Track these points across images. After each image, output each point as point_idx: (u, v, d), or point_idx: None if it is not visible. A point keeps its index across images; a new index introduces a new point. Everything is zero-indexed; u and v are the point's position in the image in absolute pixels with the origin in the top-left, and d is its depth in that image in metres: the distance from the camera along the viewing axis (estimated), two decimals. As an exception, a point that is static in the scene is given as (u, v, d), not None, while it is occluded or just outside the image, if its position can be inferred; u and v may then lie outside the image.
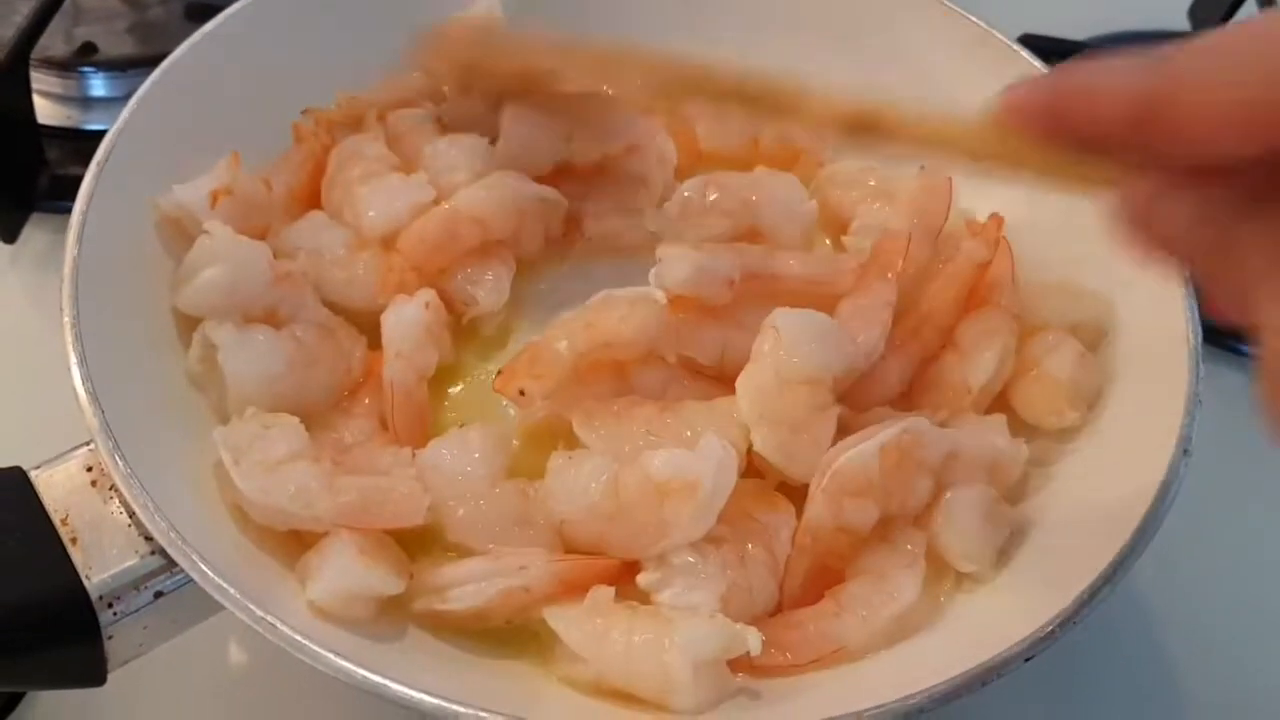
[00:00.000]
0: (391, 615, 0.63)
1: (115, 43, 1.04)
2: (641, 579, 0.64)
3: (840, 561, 0.67)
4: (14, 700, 0.72)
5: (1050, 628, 0.59)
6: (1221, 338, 0.92)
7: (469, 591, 0.63)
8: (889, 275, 0.75)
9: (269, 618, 0.55)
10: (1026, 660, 0.58)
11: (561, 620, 0.62)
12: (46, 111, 0.99)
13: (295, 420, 0.67)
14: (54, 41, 1.01)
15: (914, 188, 0.81)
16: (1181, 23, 1.18)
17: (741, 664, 0.62)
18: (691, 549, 0.65)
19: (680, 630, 0.60)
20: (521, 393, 0.70)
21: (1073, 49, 1.05)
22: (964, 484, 0.69)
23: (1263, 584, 0.86)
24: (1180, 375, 0.69)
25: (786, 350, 0.68)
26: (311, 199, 0.80)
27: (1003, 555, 0.68)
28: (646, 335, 0.71)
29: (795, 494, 0.68)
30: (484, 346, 0.79)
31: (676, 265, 0.72)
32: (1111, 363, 0.75)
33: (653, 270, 0.72)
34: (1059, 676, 0.79)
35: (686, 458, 0.64)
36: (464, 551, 0.66)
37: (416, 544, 0.67)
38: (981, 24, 0.86)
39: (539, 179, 0.80)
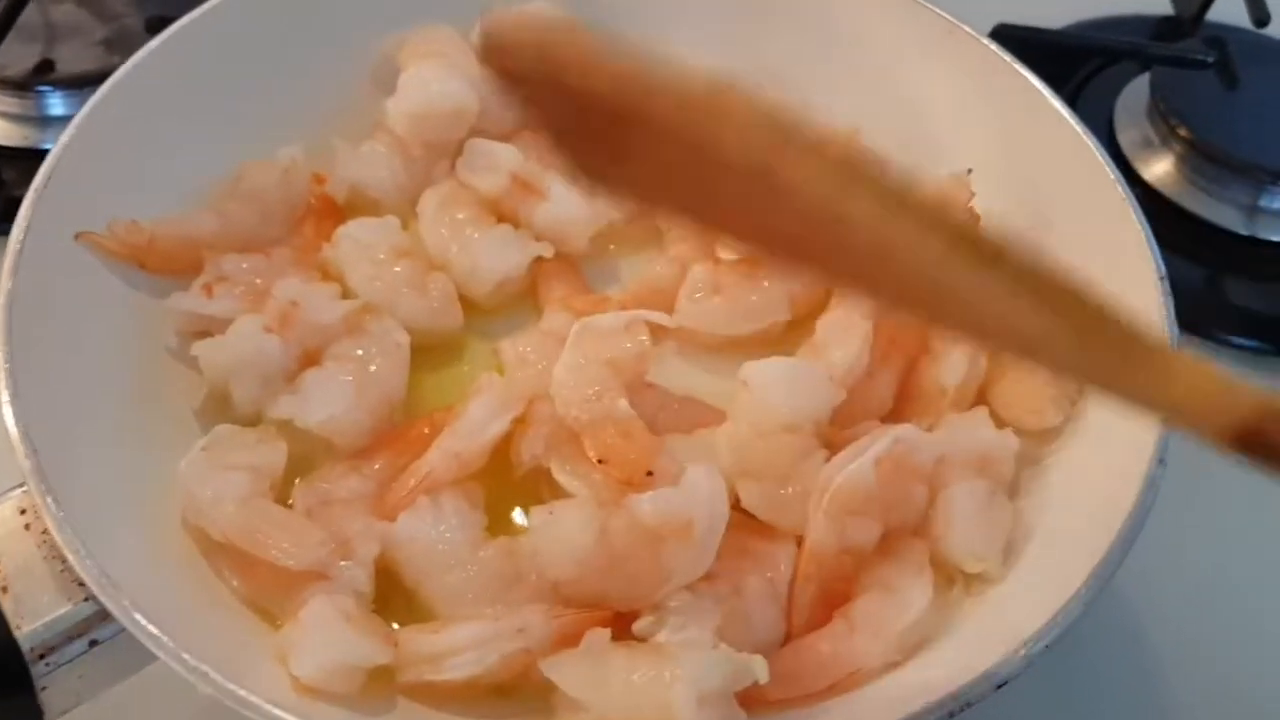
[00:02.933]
0: (376, 687, 0.61)
1: (74, 59, 1.02)
2: (637, 626, 0.62)
3: (847, 584, 0.65)
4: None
5: (1040, 643, 0.57)
6: (1202, 327, 0.91)
7: (467, 660, 0.60)
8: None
9: (204, 667, 0.53)
10: (998, 687, 0.56)
11: (558, 669, 0.59)
12: (3, 132, 0.98)
13: (282, 447, 0.67)
14: (11, 59, 0.99)
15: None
16: (1162, 7, 1.16)
17: (754, 699, 0.59)
18: (684, 588, 0.63)
19: (682, 663, 0.57)
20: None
21: (1049, 37, 1.03)
22: (958, 479, 0.67)
23: (1248, 580, 0.84)
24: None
25: (759, 403, 0.66)
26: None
27: (1010, 552, 0.66)
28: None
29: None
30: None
31: None
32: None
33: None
34: (1046, 685, 0.77)
35: (675, 497, 0.62)
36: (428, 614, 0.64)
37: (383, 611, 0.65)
38: (949, 17, 0.83)
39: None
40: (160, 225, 0.73)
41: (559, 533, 0.63)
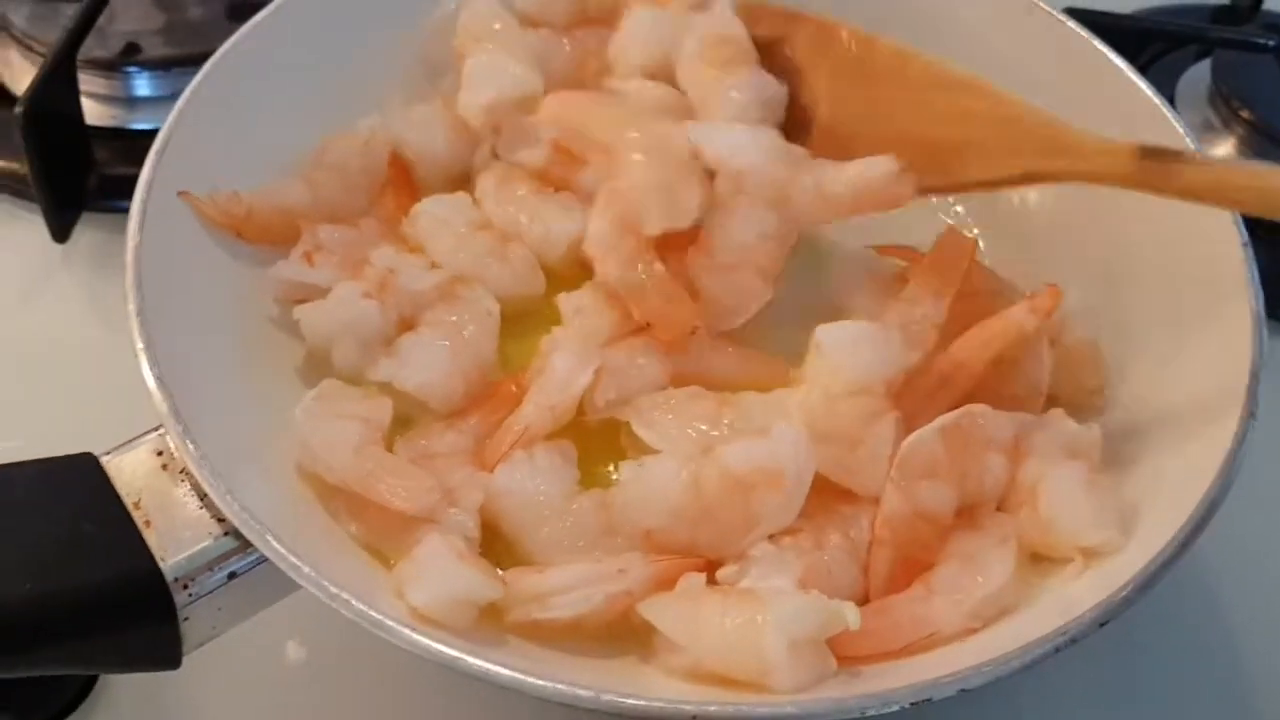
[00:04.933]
0: (486, 624, 0.62)
1: (158, 43, 1.05)
2: (720, 574, 0.63)
3: (927, 552, 0.66)
4: (90, 683, 0.73)
5: (1122, 593, 0.58)
6: (1269, 308, 0.91)
7: (573, 599, 0.62)
8: (943, 294, 0.74)
9: (344, 594, 0.55)
10: (1101, 626, 0.57)
11: (656, 610, 0.61)
12: (93, 112, 1.00)
13: (388, 402, 0.69)
14: (98, 43, 1.01)
15: (936, 245, 0.78)
16: (1223, -6, 1.18)
17: (833, 651, 0.61)
18: (767, 540, 0.64)
19: (774, 608, 0.59)
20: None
21: (1116, 21, 1.05)
22: (1053, 462, 0.68)
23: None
24: (1243, 344, 0.68)
25: (830, 364, 0.67)
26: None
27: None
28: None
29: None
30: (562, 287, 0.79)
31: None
32: (1175, 332, 0.74)
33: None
34: (1121, 652, 0.78)
35: (764, 447, 0.64)
36: (529, 560, 0.66)
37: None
38: (1029, -5, 0.85)
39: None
40: (256, 197, 0.76)
41: (650, 484, 0.65)
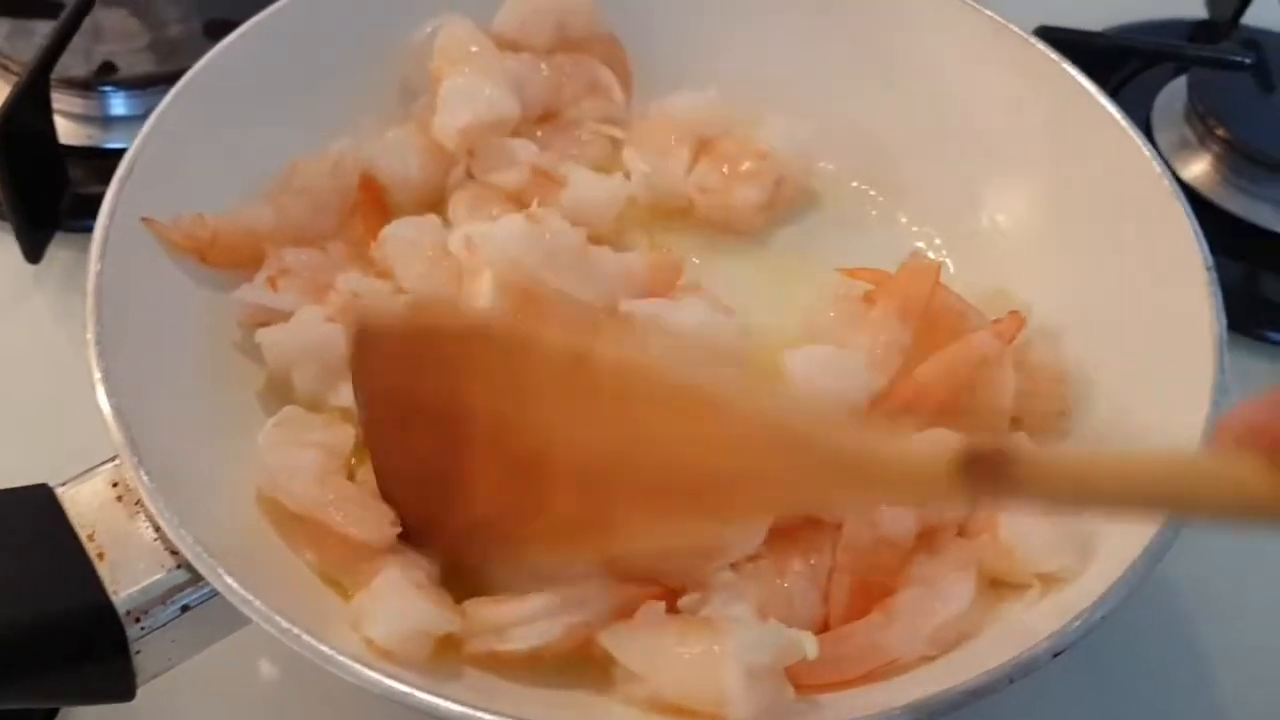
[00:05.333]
0: (444, 656, 0.62)
1: (134, 61, 1.05)
2: (682, 603, 0.63)
3: (887, 577, 0.66)
4: (49, 716, 0.72)
5: (1075, 623, 0.58)
6: (1241, 326, 0.92)
7: (532, 631, 0.62)
8: (909, 318, 0.74)
9: (295, 629, 0.55)
10: (1055, 656, 0.57)
11: (615, 640, 0.61)
12: (67, 131, 1.00)
13: (349, 430, 0.69)
14: (74, 61, 1.01)
15: (901, 269, 0.78)
16: (1198, 11, 1.18)
17: (790, 680, 0.60)
18: (728, 567, 0.64)
19: (731, 638, 0.59)
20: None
21: (1090, 40, 1.05)
22: None
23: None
24: (1205, 365, 0.68)
25: (798, 389, 0.68)
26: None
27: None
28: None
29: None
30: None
31: None
32: (1135, 353, 0.74)
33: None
34: (1089, 672, 0.78)
35: None
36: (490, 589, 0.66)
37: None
38: (997, 17, 0.85)
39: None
40: (222, 220, 0.75)
41: None
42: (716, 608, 0.62)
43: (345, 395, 0.70)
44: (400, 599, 0.61)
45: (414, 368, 0.63)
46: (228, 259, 0.75)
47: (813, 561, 0.66)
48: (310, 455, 0.66)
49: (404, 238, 0.79)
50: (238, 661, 0.75)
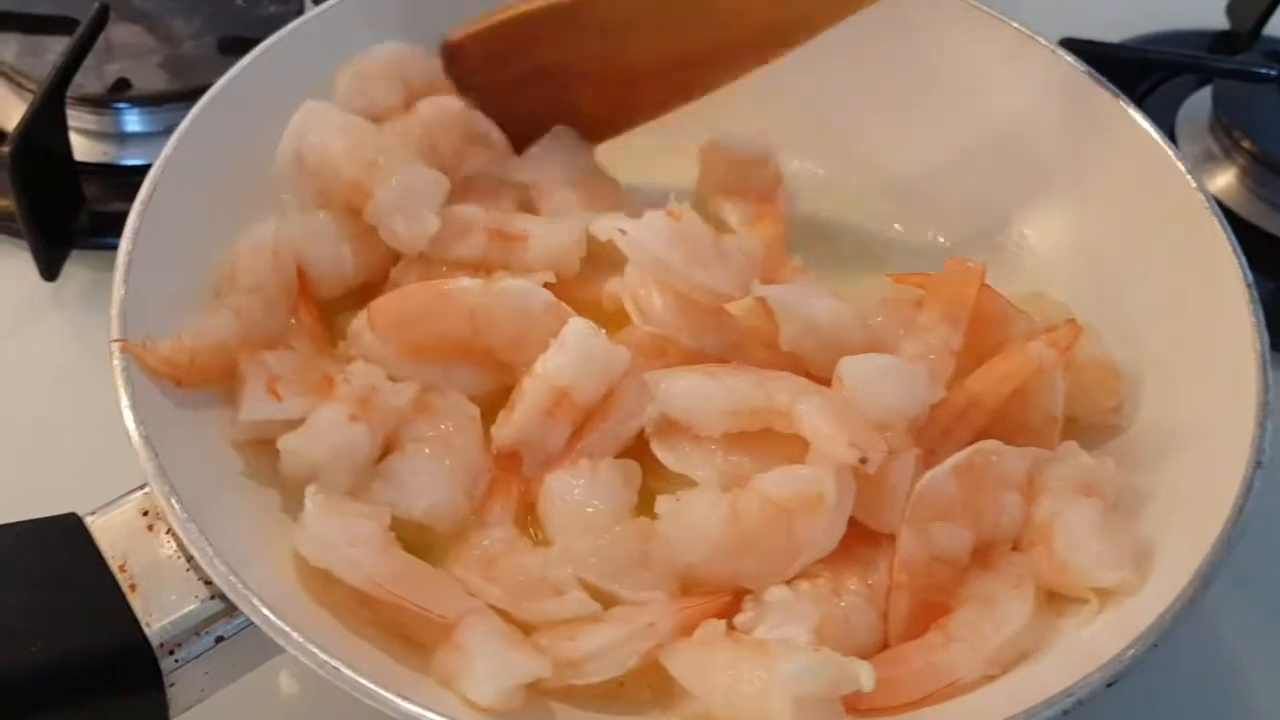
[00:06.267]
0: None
1: (148, 78, 1.04)
2: (738, 620, 0.63)
3: (945, 595, 0.66)
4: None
5: (1132, 650, 0.57)
6: (1274, 339, 0.91)
7: (609, 664, 0.62)
8: (958, 320, 0.73)
9: (333, 661, 0.54)
10: (1109, 686, 0.56)
11: (673, 659, 0.61)
12: (83, 148, 0.99)
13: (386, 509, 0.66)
14: (88, 78, 1.00)
15: (943, 271, 0.77)
16: (1219, 21, 1.17)
17: (848, 705, 0.60)
18: (785, 585, 0.64)
19: (781, 665, 0.58)
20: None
21: (1112, 51, 1.04)
22: (1067, 501, 0.67)
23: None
24: (1249, 384, 0.67)
25: (852, 398, 0.66)
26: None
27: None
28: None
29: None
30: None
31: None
32: (1172, 371, 0.73)
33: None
34: (1135, 699, 0.77)
35: (804, 473, 0.64)
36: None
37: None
38: (1024, 29, 0.85)
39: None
40: (197, 339, 0.69)
41: (691, 519, 0.65)
42: (772, 627, 0.62)
43: (380, 495, 0.67)
44: (493, 655, 0.60)
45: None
46: (202, 378, 0.69)
47: (870, 581, 0.66)
48: (369, 524, 0.64)
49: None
50: (257, 676, 0.72)
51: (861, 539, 0.66)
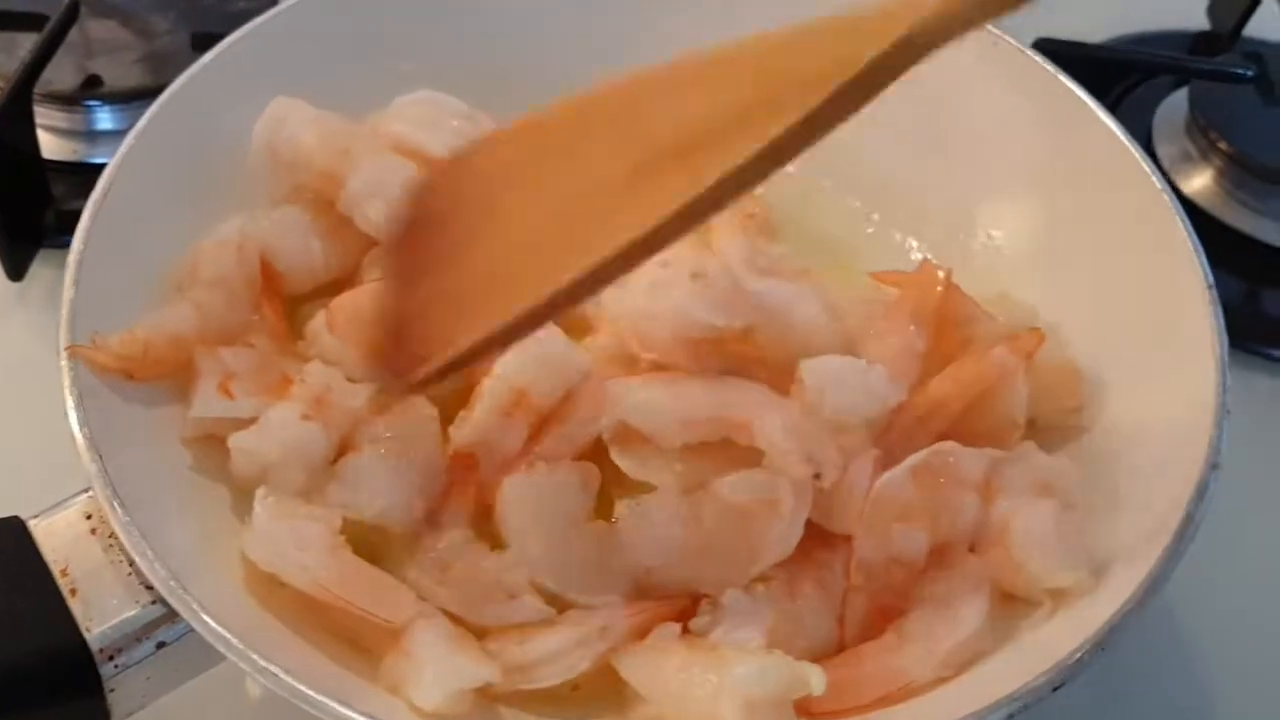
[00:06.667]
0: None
1: (122, 74, 1.03)
2: (693, 623, 0.63)
3: (900, 597, 0.66)
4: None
5: (1078, 654, 0.57)
6: (1242, 341, 0.91)
7: (560, 667, 0.61)
8: (923, 321, 0.73)
9: (272, 667, 0.54)
10: (1054, 690, 0.56)
11: (626, 663, 0.61)
12: (51, 146, 0.98)
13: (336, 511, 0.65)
14: (58, 75, 1.00)
15: (913, 273, 0.77)
16: (1199, 22, 1.16)
17: (801, 708, 0.59)
18: (741, 588, 0.64)
19: (732, 669, 0.57)
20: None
21: (1088, 52, 1.03)
22: (1024, 501, 0.67)
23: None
24: (1207, 385, 0.67)
25: (812, 400, 0.66)
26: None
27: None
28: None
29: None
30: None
31: None
32: (1134, 373, 0.73)
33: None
34: (1093, 696, 0.77)
35: (761, 477, 0.64)
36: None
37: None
38: (993, 29, 0.84)
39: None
40: (151, 331, 0.69)
41: (650, 523, 0.65)
42: (727, 630, 0.62)
43: (335, 496, 0.66)
44: (441, 660, 0.59)
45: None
46: (156, 372, 0.68)
47: (826, 583, 0.65)
48: (318, 528, 0.63)
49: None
50: (226, 680, 0.71)
51: (818, 541, 0.66)
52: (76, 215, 0.70)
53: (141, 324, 0.68)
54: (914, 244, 0.87)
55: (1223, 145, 1.00)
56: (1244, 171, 0.99)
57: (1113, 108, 0.80)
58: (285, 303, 0.77)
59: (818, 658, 0.62)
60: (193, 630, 0.56)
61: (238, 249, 0.74)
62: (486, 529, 0.69)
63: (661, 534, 0.65)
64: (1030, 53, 0.83)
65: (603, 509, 0.69)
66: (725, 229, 0.77)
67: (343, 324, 0.72)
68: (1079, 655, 0.57)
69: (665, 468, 0.68)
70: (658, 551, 0.65)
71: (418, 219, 0.61)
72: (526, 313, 0.53)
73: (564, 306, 0.54)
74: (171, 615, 0.57)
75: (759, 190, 0.59)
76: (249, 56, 0.81)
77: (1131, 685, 0.77)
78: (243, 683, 0.74)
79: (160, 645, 0.59)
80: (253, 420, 0.67)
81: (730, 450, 0.68)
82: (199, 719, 0.71)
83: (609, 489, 0.70)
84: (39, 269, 0.94)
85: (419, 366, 0.56)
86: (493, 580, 0.65)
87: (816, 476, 0.63)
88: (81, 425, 0.61)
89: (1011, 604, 0.66)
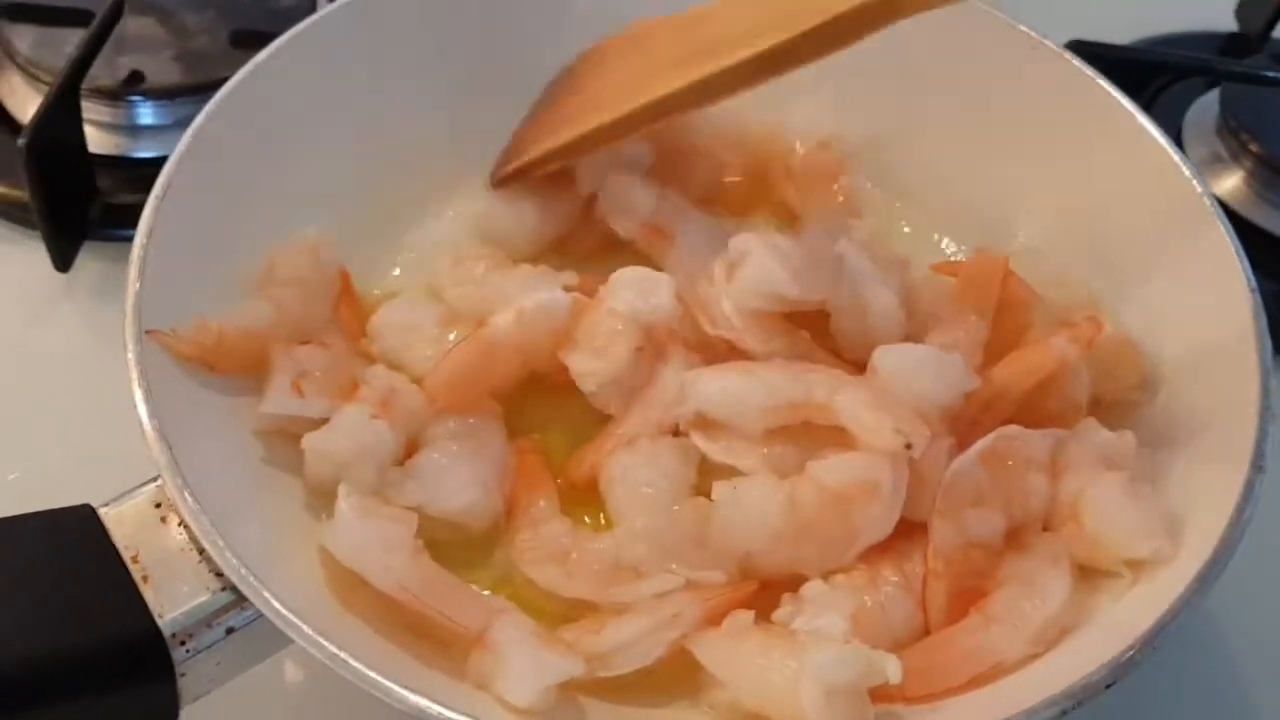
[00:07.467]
0: None
1: (161, 71, 1.04)
2: (776, 614, 0.64)
3: (981, 580, 0.66)
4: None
5: (1129, 653, 0.58)
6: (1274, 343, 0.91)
7: (636, 655, 0.62)
8: (984, 310, 0.74)
9: (342, 654, 0.55)
10: (1107, 687, 0.57)
11: (701, 645, 0.62)
12: (96, 140, 0.99)
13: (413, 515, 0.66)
14: (102, 71, 1.01)
15: (970, 262, 0.79)
16: (1228, 23, 1.17)
17: (896, 694, 0.60)
18: (821, 577, 0.65)
19: (811, 656, 0.58)
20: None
21: (1120, 53, 1.04)
22: (1092, 476, 0.68)
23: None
24: (1250, 387, 0.68)
25: (889, 388, 0.67)
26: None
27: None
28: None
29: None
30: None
31: None
32: (1177, 377, 0.74)
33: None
34: (1133, 707, 0.78)
35: (859, 460, 0.65)
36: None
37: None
38: (1032, 32, 0.85)
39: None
40: (226, 323, 0.70)
41: (748, 506, 0.66)
42: (809, 619, 0.63)
43: (410, 494, 0.68)
44: (527, 657, 0.60)
45: None
46: (233, 364, 0.70)
47: (905, 569, 0.66)
48: (401, 530, 0.64)
49: (398, 323, 0.77)
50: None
51: (895, 530, 0.67)
52: (121, 208, 0.71)
53: (213, 317, 0.70)
54: (952, 244, 0.88)
55: (1254, 147, 1.01)
56: (1274, 173, 1.00)
57: (1144, 109, 0.81)
58: (362, 306, 0.79)
59: (903, 644, 0.63)
60: (262, 615, 0.57)
61: (313, 250, 0.76)
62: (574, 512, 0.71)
63: (759, 517, 0.65)
64: (1070, 56, 0.84)
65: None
66: (816, 200, 0.80)
67: (445, 396, 0.72)
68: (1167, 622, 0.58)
69: (749, 450, 0.69)
70: (757, 534, 0.65)
71: (559, 80, 0.87)
72: (591, 129, 0.79)
73: (617, 134, 0.79)
74: (241, 601, 0.59)
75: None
76: (304, 54, 0.82)
77: (1172, 688, 0.78)
78: (282, 667, 0.74)
79: (230, 630, 0.60)
80: (322, 420, 0.68)
81: (812, 432, 0.68)
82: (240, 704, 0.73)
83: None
84: (85, 260, 0.95)
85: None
86: (612, 560, 0.66)
87: (908, 448, 0.64)
88: (150, 414, 0.62)
89: (1090, 578, 0.67)
